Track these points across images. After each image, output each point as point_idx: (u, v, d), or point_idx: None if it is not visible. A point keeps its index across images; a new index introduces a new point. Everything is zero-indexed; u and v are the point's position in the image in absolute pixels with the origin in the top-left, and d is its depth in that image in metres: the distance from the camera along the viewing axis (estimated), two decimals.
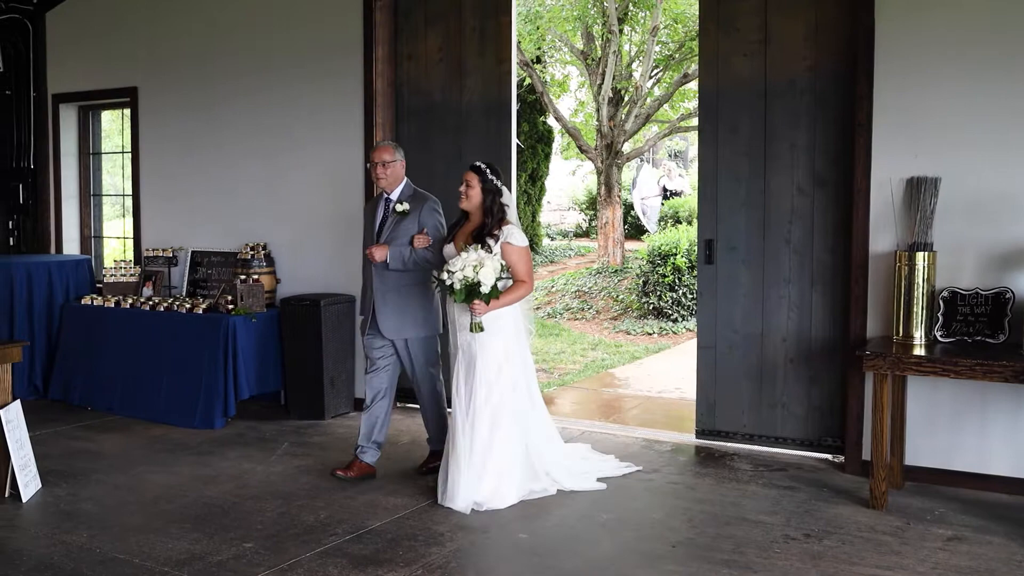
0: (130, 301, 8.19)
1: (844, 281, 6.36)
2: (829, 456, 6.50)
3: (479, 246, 5.46)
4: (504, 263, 5.47)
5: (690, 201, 17.24)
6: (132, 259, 9.10)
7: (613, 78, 13.38)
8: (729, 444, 6.79)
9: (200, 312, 7.76)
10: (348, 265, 7.80)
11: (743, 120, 6.65)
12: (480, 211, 5.65)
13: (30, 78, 9.99)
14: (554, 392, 9.00)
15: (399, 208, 6.00)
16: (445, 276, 5.37)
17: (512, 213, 5.77)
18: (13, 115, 10.15)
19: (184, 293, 8.59)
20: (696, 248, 11.51)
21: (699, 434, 6.92)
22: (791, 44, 6.48)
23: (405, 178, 6.12)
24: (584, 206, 19.63)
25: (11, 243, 10.25)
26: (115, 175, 10.55)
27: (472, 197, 5.66)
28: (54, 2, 9.76)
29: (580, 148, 14.30)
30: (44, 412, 7.85)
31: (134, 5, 9.18)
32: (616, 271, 13.73)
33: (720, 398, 6.83)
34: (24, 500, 5.68)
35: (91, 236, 10.08)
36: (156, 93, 9.04)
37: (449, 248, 5.73)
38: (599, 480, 5.95)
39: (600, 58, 13.69)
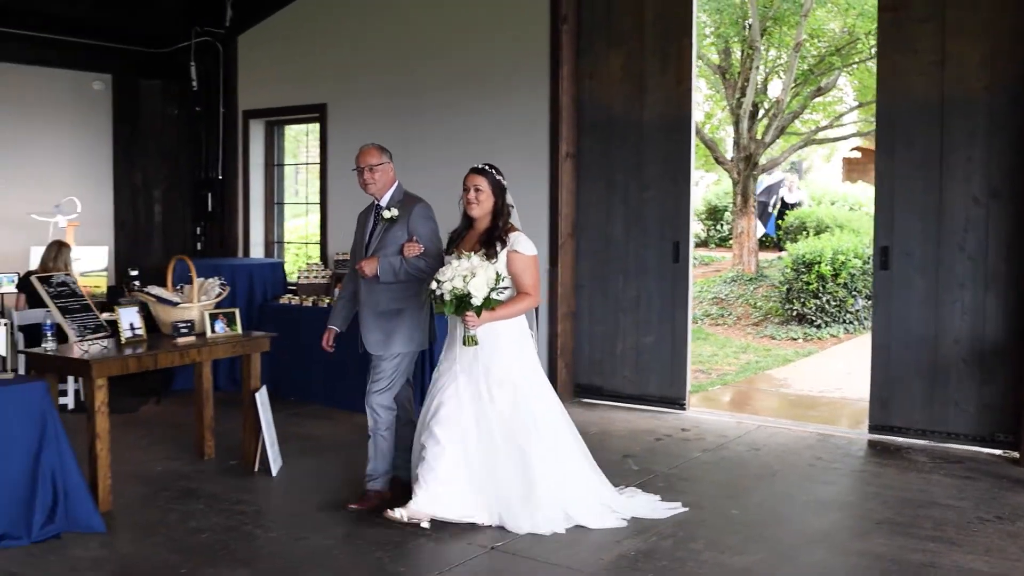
0: (327, 301, 8.91)
1: (1019, 288, 6.75)
2: (1002, 451, 6.87)
3: (486, 255, 5.12)
4: (501, 273, 5.08)
5: (816, 211, 17.51)
6: (320, 262, 9.84)
7: (756, 93, 13.83)
8: (902, 439, 7.19)
9: None
10: None
11: (919, 134, 7.08)
12: (490, 215, 5.32)
13: (219, 96, 10.86)
14: (718, 391, 9.49)
15: (386, 215, 5.61)
16: (434, 285, 5.03)
17: (516, 216, 5.44)
18: (203, 130, 11.03)
19: None
20: (846, 256, 11.98)
21: (872, 429, 7.34)
22: (967, 66, 6.90)
23: (396, 182, 5.74)
24: (703, 216, 19.98)
25: (198, 247, 11.12)
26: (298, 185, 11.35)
27: (484, 202, 5.30)
28: (245, 26, 10.60)
29: (716, 160, 14.77)
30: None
31: (323, 28, 9.95)
32: (751, 279, 14.15)
33: (894, 395, 7.25)
34: (274, 474, 6.38)
35: (274, 241, 10.89)
36: (344, 109, 9.79)
37: (451, 260, 5.23)
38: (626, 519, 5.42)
39: (740, 73, 14.15)
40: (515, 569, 4.80)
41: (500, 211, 5.31)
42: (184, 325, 6.16)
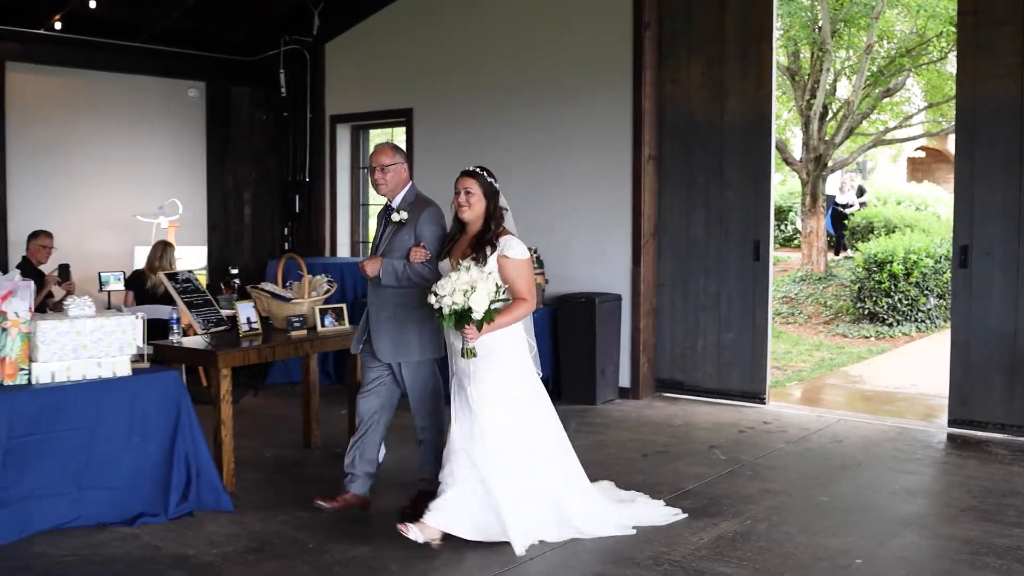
0: None
1: None
2: None
3: (475, 259, 4.97)
4: (499, 282, 4.93)
5: (883, 211, 17.60)
6: None
7: (826, 94, 14.01)
8: (981, 433, 7.38)
9: None
10: (612, 267, 8.81)
11: (999, 135, 7.27)
12: (482, 218, 5.16)
13: (307, 101, 11.29)
14: (794, 387, 9.72)
15: (395, 217, 5.45)
16: (432, 300, 4.88)
17: (511, 220, 5.26)
18: (291, 134, 11.48)
19: None
20: (917, 255, 12.12)
21: (952, 423, 7.54)
22: None
23: (410, 183, 5.59)
24: None
25: (285, 247, 11.55)
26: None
27: (475, 205, 5.13)
28: (332, 35, 11.02)
29: (785, 160, 14.94)
30: (339, 396, 9.00)
31: (408, 36, 10.33)
32: (820, 278, 14.31)
33: (973, 390, 7.44)
34: (380, 461, 6.72)
35: (360, 241, 11.30)
36: (429, 113, 10.17)
37: (444, 265, 5.17)
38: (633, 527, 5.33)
39: (810, 75, 14.33)
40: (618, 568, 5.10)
41: (492, 214, 5.14)
42: (297, 319, 6.55)
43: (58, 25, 9.54)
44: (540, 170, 9.32)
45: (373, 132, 11.35)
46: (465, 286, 4.76)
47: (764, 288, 8.40)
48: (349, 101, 10.96)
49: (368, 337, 5.56)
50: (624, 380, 8.83)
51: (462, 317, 4.81)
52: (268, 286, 6.74)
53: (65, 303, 5.45)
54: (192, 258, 9.95)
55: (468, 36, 9.85)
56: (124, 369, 5.41)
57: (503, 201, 5.21)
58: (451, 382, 5.24)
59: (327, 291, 6.88)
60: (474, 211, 5.13)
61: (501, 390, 5.06)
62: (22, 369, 5.14)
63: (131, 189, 10.51)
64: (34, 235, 8.80)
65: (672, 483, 6.21)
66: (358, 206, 11.30)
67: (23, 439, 5.05)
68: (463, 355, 4.98)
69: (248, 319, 6.43)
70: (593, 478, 6.24)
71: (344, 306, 6.92)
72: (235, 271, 9.24)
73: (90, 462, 5.28)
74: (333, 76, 11.11)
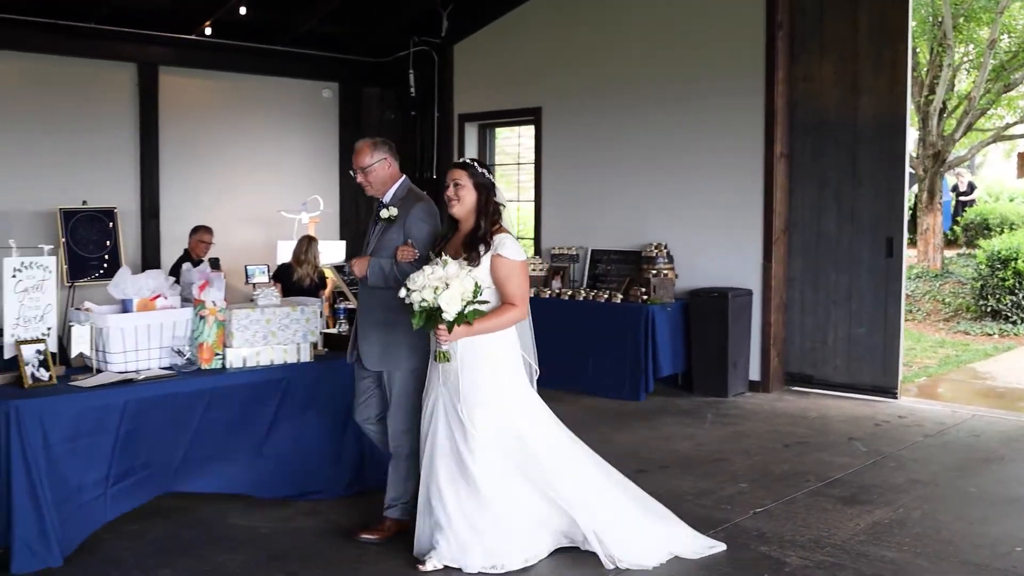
0: (548, 293, 9.59)
1: None
2: None
3: (467, 259, 4.60)
4: (481, 283, 4.53)
5: (997, 208, 17.39)
6: (536, 256, 10.52)
7: (945, 90, 13.95)
8: None
9: (617, 302, 9.04)
10: (743, 262, 8.99)
11: None
12: (473, 214, 4.75)
13: (434, 101, 11.66)
14: (924, 382, 9.77)
15: (384, 214, 5.11)
16: (403, 293, 4.53)
17: (507, 216, 4.91)
18: (418, 133, 11.87)
19: (585, 286, 9.89)
20: None
21: None
22: None
23: (402, 177, 5.21)
24: None
25: None
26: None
27: (465, 199, 4.72)
28: (460, 36, 11.37)
29: None
30: None
31: (536, 36, 10.63)
32: (937, 275, 14.24)
33: None
34: None
35: None
36: (558, 112, 10.45)
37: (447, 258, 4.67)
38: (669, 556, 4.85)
39: (928, 70, 14.27)
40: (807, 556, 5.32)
41: (484, 210, 4.71)
42: None
43: (208, 31, 10.06)
44: (671, 168, 9.53)
45: (499, 131, 11.65)
46: (437, 282, 4.41)
47: (897, 284, 8.49)
48: (477, 100, 11.30)
49: (356, 345, 5.17)
50: (754, 373, 9.01)
51: (432, 316, 4.44)
52: None
53: (253, 294, 5.84)
54: (332, 252, 10.38)
55: (597, 35, 10.11)
56: (306, 355, 5.78)
57: (500, 197, 4.83)
58: (425, 391, 4.82)
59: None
60: (464, 205, 4.72)
61: (493, 406, 4.63)
62: (217, 354, 5.55)
63: (273, 186, 10.99)
64: (195, 230, 9.31)
65: (819, 472, 6.40)
66: None
67: (216, 415, 5.46)
68: (435, 358, 4.64)
69: None
70: (738, 467, 6.51)
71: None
72: None
73: (272, 440, 5.67)
74: (461, 76, 11.47)
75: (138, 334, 5.41)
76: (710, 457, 6.83)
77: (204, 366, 5.52)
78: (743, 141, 9.00)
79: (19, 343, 5.06)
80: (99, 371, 5.31)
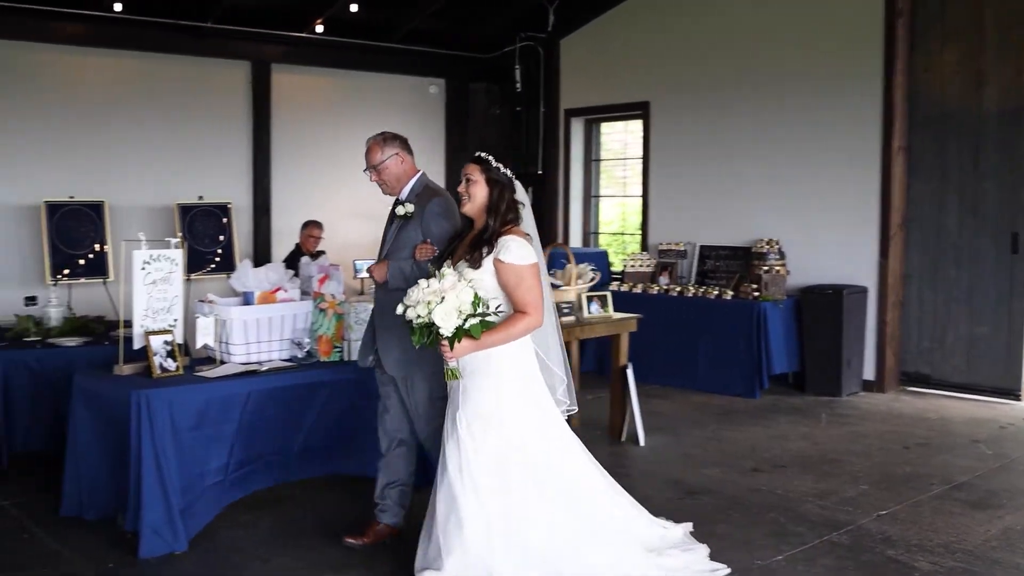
0: (656, 289, 9.50)
1: None
2: None
3: (469, 261, 4.26)
4: (484, 294, 4.15)
5: None
6: (644, 251, 10.43)
7: None
8: None
9: (727, 298, 8.90)
10: (858, 259, 8.80)
11: None
12: (484, 212, 4.38)
13: (540, 96, 11.64)
14: None
15: (400, 211, 4.87)
16: (400, 309, 4.20)
17: (528, 217, 4.48)
18: (524, 128, 11.86)
19: (693, 282, 9.76)
20: None
21: None
22: None
23: (418, 173, 4.98)
24: None
25: None
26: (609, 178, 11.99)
27: (476, 195, 4.36)
28: (567, 31, 11.33)
29: None
30: (593, 381, 9.29)
31: (644, 30, 10.52)
32: None
33: None
34: (642, 444, 6.98)
35: (591, 232, 11.58)
36: (666, 106, 10.34)
37: (446, 268, 4.27)
38: None
39: None
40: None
41: (495, 208, 4.33)
42: (566, 306, 6.85)
43: (320, 28, 10.19)
44: (782, 161, 9.35)
45: (605, 125, 11.58)
46: (431, 296, 4.07)
47: (1021, 281, 8.18)
48: (583, 95, 11.25)
49: (376, 351, 4.89)
50: (868, 373, 8.78)
51: (431, 332, 4.11)
52: None
53: (371, 288, 5.89)
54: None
55: (706, 28, 9.97)
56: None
57: (521, 196, 4.45)
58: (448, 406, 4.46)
59: (592, 279, 7.15)
60: (475, 203, 4.38)
61: (491, 418, 4.24)
62: (336, 347, 5.61)
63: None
64: (305, 225, 9.46)
65: (943, 475, 6.20)
66: (590, 197, 11.58)
67: (334, 406, 5.58)
68: (444, 376, 4.29)
69: None
70: (858, 468, 6.34)
71: (609, 294, 7.19)
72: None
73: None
74: (567, 70, 11.43)
75: (259, 326, 5.51)
76: (828, 457, 6.67)
77: (323, 358, 5.60)
78: (859, 134, 8.78)
79: (148, 334, 5.19)
80: (222, 362, 5.42)
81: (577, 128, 11.49)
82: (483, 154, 4.46)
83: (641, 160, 10.64)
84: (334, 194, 10.87)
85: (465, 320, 4.06)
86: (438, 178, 11.78)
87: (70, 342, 6.52)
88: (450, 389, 4.38)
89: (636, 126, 10.89)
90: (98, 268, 8.82)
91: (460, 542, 4.15)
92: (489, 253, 4.23)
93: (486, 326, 4.12)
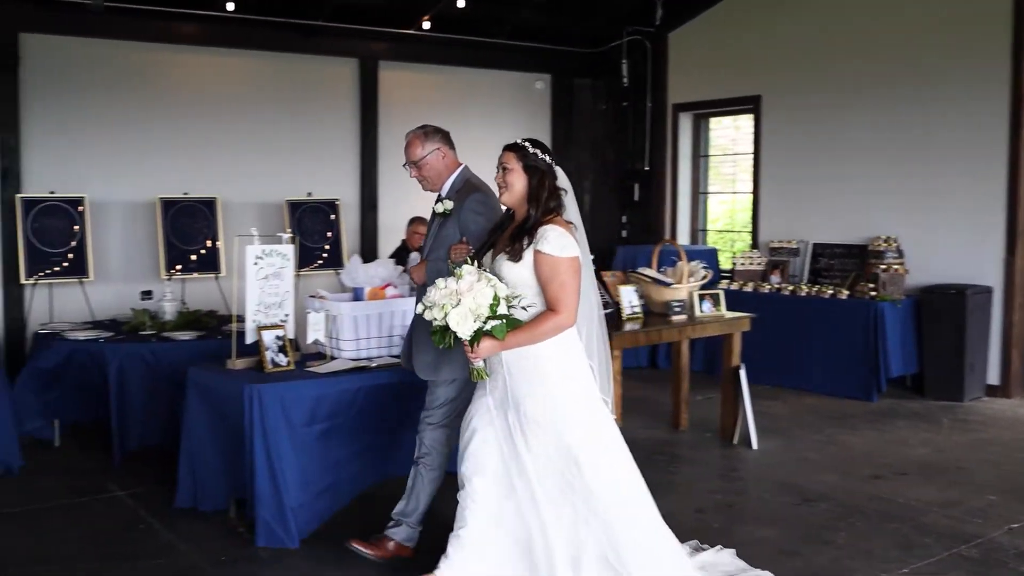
0: (767, 287, 9.26)
1: None
2: None
3: (509, 254, 4.00)
4: (508, 293, 3.90)
5: None
6: (755, 249, 10.19)
7: None
8: None
9: (842, 298, 8.62)
10: (982, 257, 8.44)
11: None
12: (524, 202, 4.10)
13: (647, 91, 11.46)
14: None
15: (438, 208, 4.69)
16: (419, 309, 4.07)
17: (571, 205, 4.15)
18: (630, 123, 11.70)
19: (806, 281, 9.47)
20: None
21: None
22: None
23: (460, 167, 4.82)
24: None
25: (623, 235, 11.79)
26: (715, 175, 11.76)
27: (513, 185, 4.08)
28: (675, 25, 11.13)
29: None
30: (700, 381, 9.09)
31: (756, 23, 10.26)
32: None
33: None
34: (755, 447, 6.79)
35: (699, 229, 11.36)
36: (778, 100, 10.06)
37: (486, 262, 4.14)
38: None
39: None
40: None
41: (534, 196, 4.04)
42: (677, 304, 6.69)
43: (427, 25, 10.19)
44: (901, 157, 9.02)
45: (714, 120, 11.34)
46: (447, 298, 3.87)
47: None
48: (692, 89, 11.04)
49: (410, 354, 4.74)
50: (992, 377, 8.41)
51: (448, 335, 3.90)
52: (648, 271, 6.92)
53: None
54: None
55: (821, 20, 9.66)
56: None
57: (563, 182, 4.14)
58: (469, 408, 4.24)
59: (704, 276, 6.99)
60: (512, 193, 4.10)
61: (544, 416, 3.98)
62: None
63: (486, 178, 11.00)
64: (411, 221, 9.43)
65: None
66: (698, 194, 11.36)
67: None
68: (471, 376, 4.09)
69: (630, 303, 6.64)
70: (985, 477, 6.07)
71: (721, 292, 7.02)
72: (591, 256, 9.52)
73: None
74: (675, 65, 11.22)
75: (369, 322, 5.49)
76: (952, 465, 6.39)
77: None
78: (984, 129, 8.40)
79: (260, 328, 5.22)
80: (332, 358, 5.42)
81: (685, 123, 11.28)
82: (519, 140, 4.18)
83: (752, 156, 10.38)
84: None
85: (485, 322, 3.84)
86: None
87: (184, 336, 6.63)
88: (490, 390, 4.10)
89: (746, 121, 10.65)
90: (210, 263, 8.96)
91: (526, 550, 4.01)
92: (530, 244, 3.96)
93: (512, 325, 3.89)
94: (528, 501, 3.99)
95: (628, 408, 7.96)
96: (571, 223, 4.09)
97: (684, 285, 6.83)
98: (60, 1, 8.46)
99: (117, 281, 8.80)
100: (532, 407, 3.97)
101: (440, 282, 3.91)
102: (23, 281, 8.22)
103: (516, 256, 3.96)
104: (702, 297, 6.84)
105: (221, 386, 5.14)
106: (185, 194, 9.02)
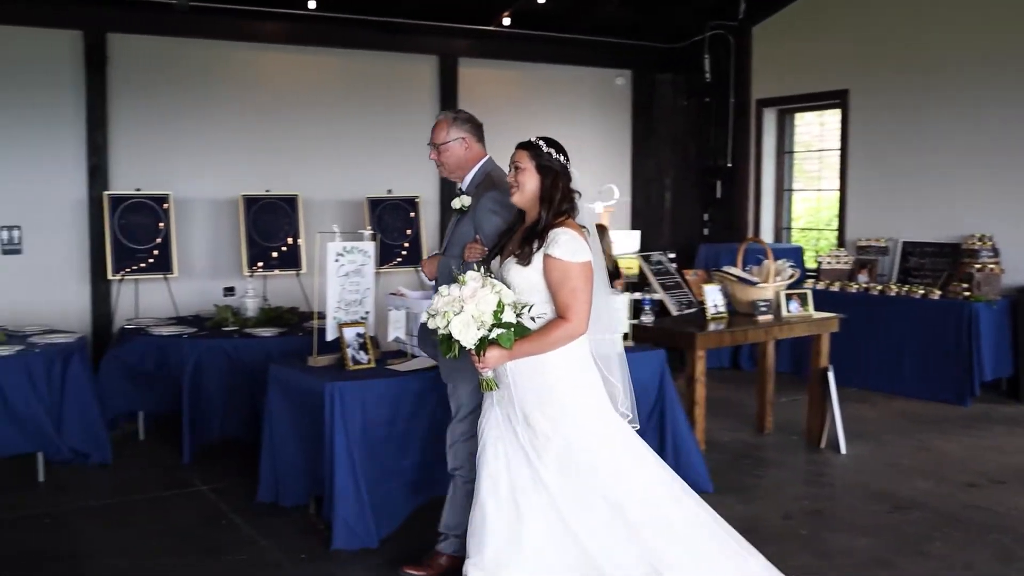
0: (854, 287, 9.01)
1: None
2: None
3: (518, 258, 3.84)
4: (514, 300, 3.74)
5: None
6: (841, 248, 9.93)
7: None
8: None
9: (934, 298, 8.35)
10: None
11: None
12: (536, 203, 3.93)
13: (729, 86, 11.25)
14: None
15: (455, 203, 4.56)
16: (424, 318, 3.91)
17: (584, 209, 3.99)
18: (713, 120, 11.49)
19: (895, 280, 9.19)
20: None
21: None
22: None
23: (483, 159, 4.62)
24: None
25: (704, 233, 11.60)
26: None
27: (525, 185, 3.91)
28: (760, 18, 10.90)
29: None
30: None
31: (845, 14, 9.99)
32: None
33: None
34: (843, 451, 6.59)
35: (783, 227, 11.13)
36: (866, 94, 9.78)
37: (495, 265, 4.00)
38: None
39: None
40: None
41: (548, 198, 3.87)
42: (764, 304, 6.53)
43: (507, 21, 10.12)
44: (996, 155, 8.69)
45: (799, 115, 11.09)
46: (448, 306, 3.70)
47: None
48: (776, 84, 10.80)
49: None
50: None
51: (453, 343, 3.74)
52: (733, 270, 6.77)
53: None
54: (626, 242, 10.21)
55: (911, 11, 9.36)
56: (618, 345, 5.60)
57: (577, 182, 3.96)
58: (483, 421, 4.03)
59: (791, 276, 6.81)
60: (524, 193, 3.92)
61: (554, 429, 3.79)
62: None
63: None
64: None
65: None
66: (782, 191, 11.12)
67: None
68: (480, 387, 3.91)
69: (715, 302, 6.49)
70: None
71: (809, 292, 6.84)
72: (672, 255, 9.38)
73: None
74: (760, 59, 10.99)
75: None
76: None
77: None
78: None
79: (341, 326, 5.20)
80: (413, 356, 5.37)
81: (769, 119, 11.04)
82: (533, 138, 3.98)
83: (839, 151, 10.11)
84: None
85: (491, 330, 3.67)
86: (623, 172, 11.56)
87: (266, 332, 6.65)
88: (497, 401, 3.93)
89: (832, 116, 10.38)
90: (291, 260, 9.01)
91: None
92: (540, 248, 3.78)
93: (520, 333, 3.72)
94: (552, 514, 3.77)
95: (711, 410, 7.73)
96: (584, 227, 3.92)
97: (770, 284, 6.66)
98: (146, 1, 8.59)
99: (200, 277, 8.91)
100: (540, 420, 3.79)
101: (443, 289, 3.77)
102: (110, 277, 8.35)
103: (525, 260, 3.81)
104: (789, 297, 6.66)
105: (302, 383, 5.13)
106: (267, 191, 9.08)
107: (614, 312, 4.06)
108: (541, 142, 3.95)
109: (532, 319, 3.77)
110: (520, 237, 3.92)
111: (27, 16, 8.27)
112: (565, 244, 3.75)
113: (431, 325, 3.78)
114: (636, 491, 3.79)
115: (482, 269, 3.80)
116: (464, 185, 4.58)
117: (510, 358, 3.76)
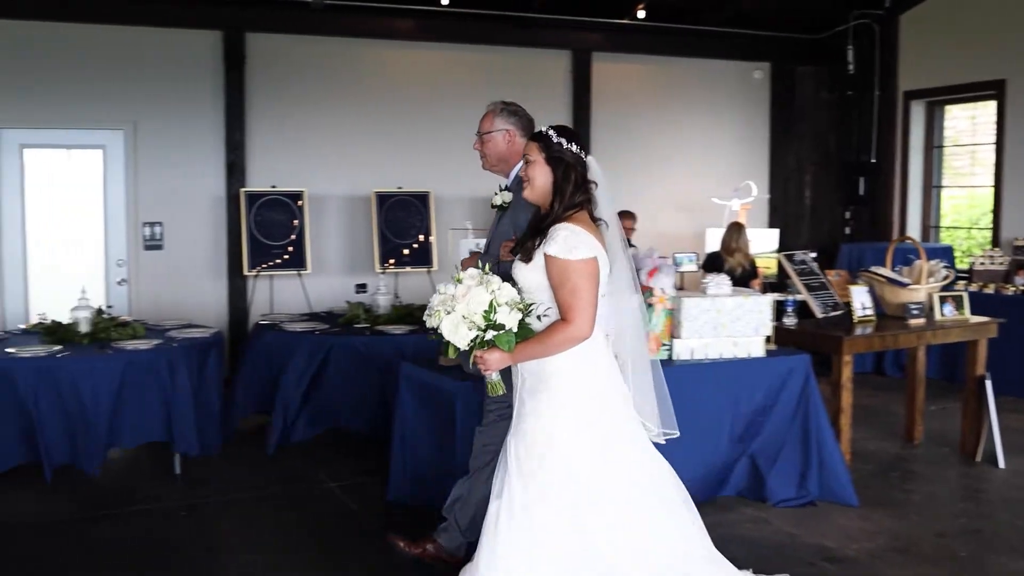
0: (1011, 289, 8.48)
1: None
2: None
3: (522, 255, 3.61)
4: (508, 299, 3.49)
5: None
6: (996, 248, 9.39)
7: None
8: None
9: None
10: None
11: None
12: (548, 197, 3.64)
13: (874, 78, 10.77)
14: None
15: (495, 200, 4.38)
16: (424, 316, 3.67)
17: (603, 200, 3.68)
18: (856, 114, 11.03)
19: None
20: None
21: None
22: None
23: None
24: None
25: (846, 231, 11.15)
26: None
27: (536, 179, 3.64)
28: (908, 5, 10.40)
29: None
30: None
31: (1000, 1, 9.44)
32: None
33: None
34: (1001, 466, 6.16)
35: (931, 225, 10.60)
36: None
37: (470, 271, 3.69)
38: None
39: None
40: None
41: (559, 191, 3.59)
42: (916, 307, 6.16)
43: (641, 14, 9.89)
44: None
45: (949, 108, 10.54)
46: (443, 304, 3.52)
47: None
48: (925, 75, 10.30)
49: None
50: None
51: (448, 344, 3.54)
52: (882, 270, 6.42)
53: (703, 281, 5.51)
54: (764, 241, 9.89)
55: None
56: (758, 350, 5.37)
57: (594, 173, 3.66)
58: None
59: (945, 277, 6.42)
60: (535, 187, 3.65)
61: (544, 443, 3.53)
62: (664, 345, 5.27)
63: (701, 171, 10.66)
64: (619, 215, 9.20)
65: None
66: (930, 188, 10.59)
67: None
68: (488, 390, 3.68)
69: (863, 304, 6.15)
70: None
71: (965, 294, 6.42)
72: (813, 255, 9.01)
73: (712, 439, 5.32)
74: (907, 49, 10.50)
75: None
76: None
77: (650, 356, 5.26)
78: None
79: None
80: None
81: (917, 112, 10.53)
82: (544, 129, 3.69)
83: (994, 146, 9.57)
84: (652, 184, 10.52)
85: (485, 331, 3.45)
86: (762, 169, 11.17)
87: (396, 330, 6.61)
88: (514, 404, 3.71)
89: (987, 108, 9.83)
90: (423, 257, 8.98)
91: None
92: (541, 244, 3.53)
93: (523, 335, 3.50)
94: (524, 537, 3.50)
95: (856, 418, 7.38)
96: (601, 220, 3.65)
97: (923, 286, 6.28)
98: (283, 1, 8.67)
99: (333, 274, 8.97)
100: (531, 427, 3.54)
101: (441, 287, 3.60)
102: (245, 273, 8.47)
103: (527, 257, 3.57)
104: (943, 299, 6.27)
105: (432, 382, 5.07)
106: (399, 188, 9.07)
107: (634, 312, 3.78)
108: (551, 131, 3.67)
109: (538, 319, 3.56)
110: (527, 233, 3.70)
111: (169, 17, 8.46)
112: (562, 241, 3.48)
113: (428, 324, 3.60)
114: (618, 537, 3.52)
115: (486, 267, 3.59)
116: (508, 180, 4.41)
117: (512, 361, 3.55)
